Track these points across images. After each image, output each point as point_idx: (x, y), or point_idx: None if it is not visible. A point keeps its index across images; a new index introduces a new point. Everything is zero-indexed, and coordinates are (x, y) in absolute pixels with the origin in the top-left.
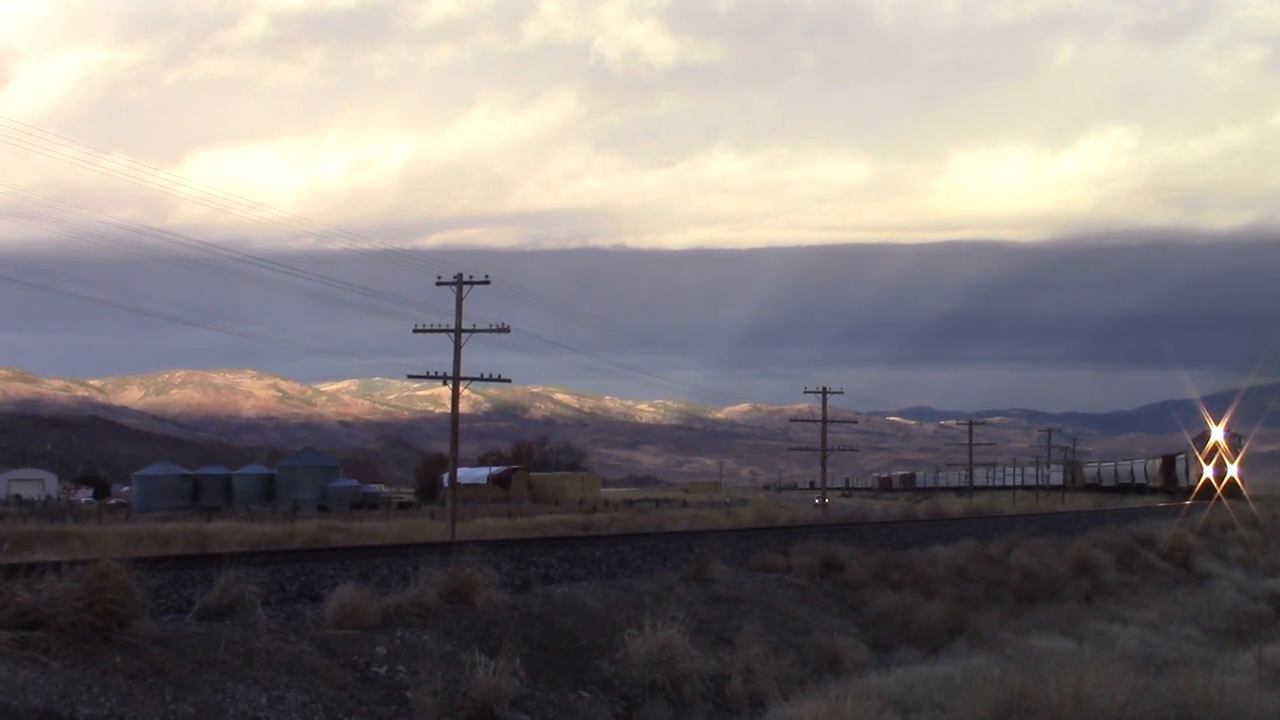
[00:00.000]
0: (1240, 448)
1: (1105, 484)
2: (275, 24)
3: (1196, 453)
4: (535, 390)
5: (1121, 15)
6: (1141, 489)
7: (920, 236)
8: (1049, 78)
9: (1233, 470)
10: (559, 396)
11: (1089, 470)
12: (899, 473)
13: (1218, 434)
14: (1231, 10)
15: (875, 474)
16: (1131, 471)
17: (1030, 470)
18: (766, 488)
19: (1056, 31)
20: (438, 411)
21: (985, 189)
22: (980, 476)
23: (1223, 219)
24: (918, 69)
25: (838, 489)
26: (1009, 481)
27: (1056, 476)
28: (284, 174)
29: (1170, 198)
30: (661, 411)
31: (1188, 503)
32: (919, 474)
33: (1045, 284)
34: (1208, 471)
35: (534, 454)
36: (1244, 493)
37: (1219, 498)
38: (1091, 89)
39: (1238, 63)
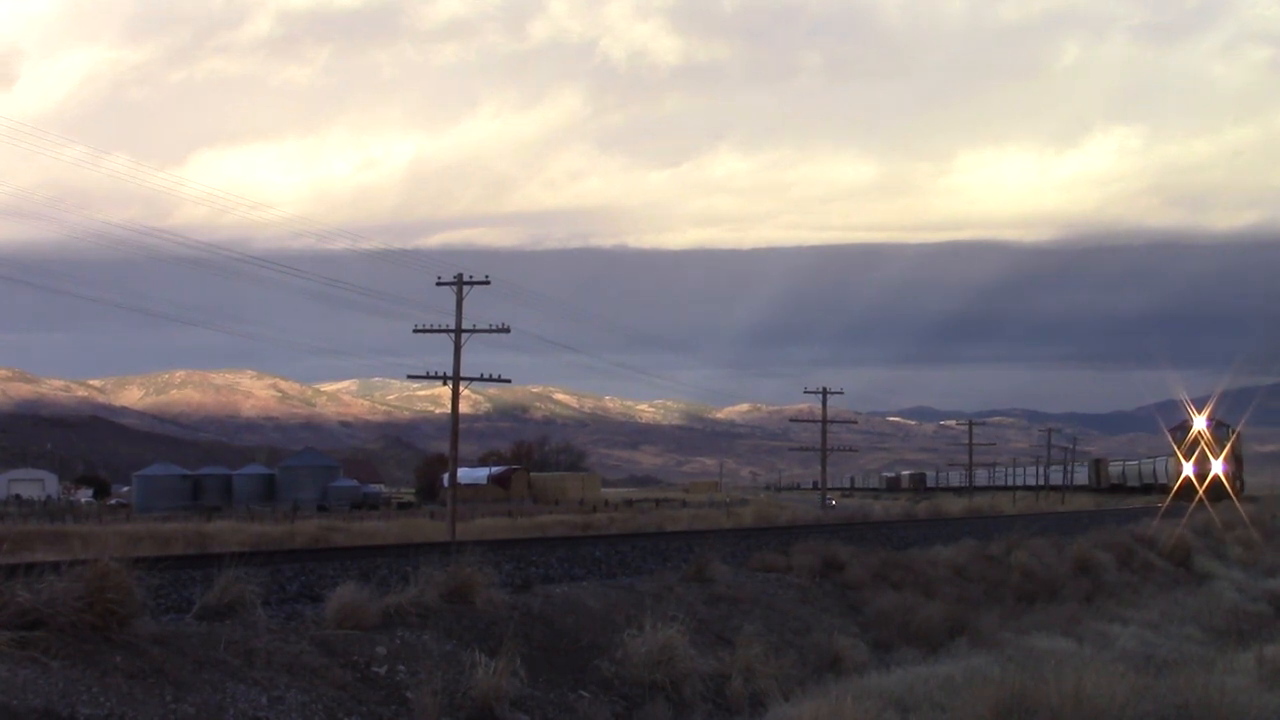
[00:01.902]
0: (1226, 439)
1: (1130, 484)
2: (281, 23)
3: (1175, 447)
4: (535, 390)
5: (1127, 15)
6: (1165, 489)
7: (923, 236)
8: (1055, 78)
9: (1217, 467)
10: (559, 396)
11: (1114, 469)
12: (907, 472)
13: (1200, 424)
14: (1238, 10)
15: (883, 473)
16: (1154, 470)
17: (1051, 470)
18: (768, 488)
19: (1062, 31)
20: (438, 411)
21: (990, 189)
22: (999, 476)
23: (1227, 219)
24: (923, 69)
25: (841, 489)
26: (1025, 482)
27: (1081, 476)
28: (288, 174)
29: (1175, 198)
30: (662, 412)
31: (1162, 504)
32: (929, 473)
33: (1047, 284)
34: (1187, 469)
35: (534, 454)
36: (1229, 491)
37: (1201, 498)
38: (1097, 89)
39: (1244, 62)
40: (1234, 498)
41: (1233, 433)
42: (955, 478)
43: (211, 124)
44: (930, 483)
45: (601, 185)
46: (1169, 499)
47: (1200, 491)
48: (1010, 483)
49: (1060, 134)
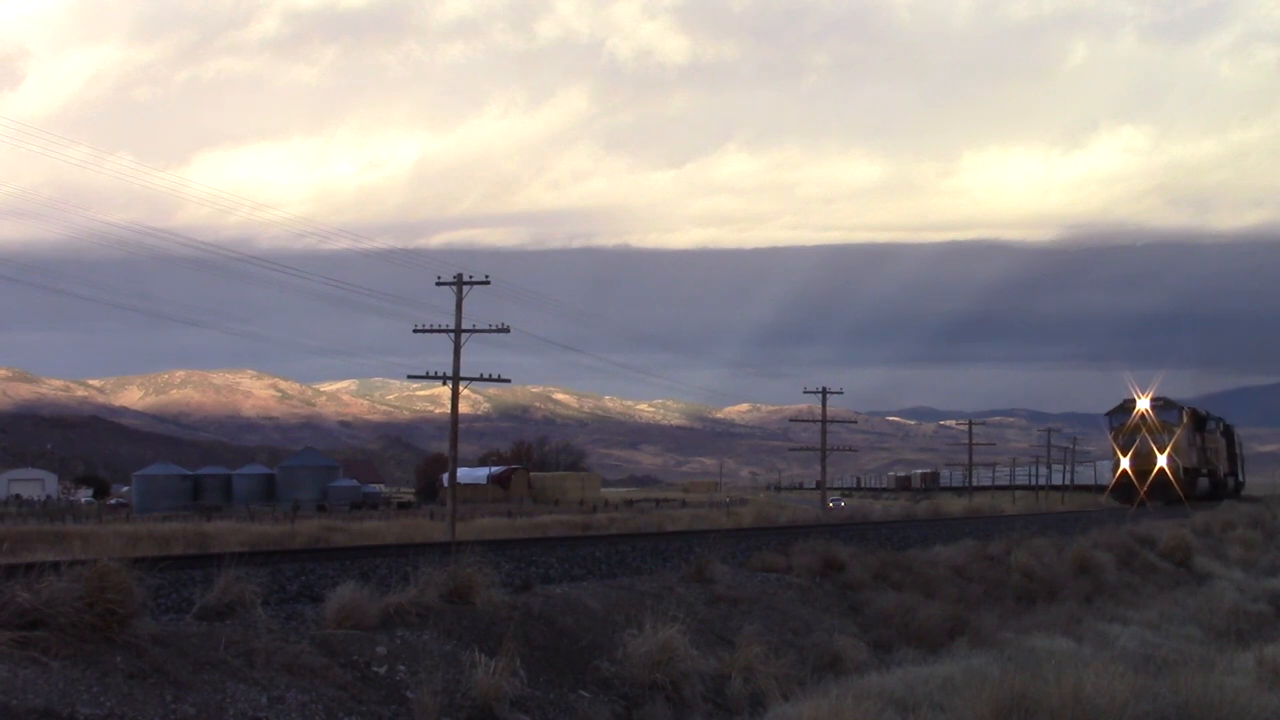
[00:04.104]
0: (1178, 426)
1: None
2: (288, 23)
3: (1110, 434)
4: (535, 390)
5: (1137, 15)
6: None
7: (927, 237)
8: (1062, 78)
9: (1162, 460)
10: (559, 396)
11: None
12: (919, 471)
13: (1144, 405)
14: (1245, 10)
15: (892, 473)
16: None
17: (1089, 468)
18: (770, 488)
19: (1071, 31)
20: (438, 411)
21: (996, 189)
22: (1020, 476)
23: (1231, 219)
24: (931, 68)
25: (848, 489)
26: (1049, 481)
27: (1108, 474)
28: (293, 174)
29: (1181, 198)
30: (662, 411)
31: (1098, 506)
32: (943, 472)
33: (1051, 285)
34: (1124, 463)
35: (534, 454)
36: (1179, 491)
37: (1143, 499)
38: (1104, 89)
39: (1252, 62)
40: (1184, 499)
41: (1185, 415)
42: (974, 477)
43: (217, 124)
44: (945, 482)
45: (606, 185)
46: (1104, 497)
47: (1142, 491)
48: (1032, 482)
49: (1067, 134)
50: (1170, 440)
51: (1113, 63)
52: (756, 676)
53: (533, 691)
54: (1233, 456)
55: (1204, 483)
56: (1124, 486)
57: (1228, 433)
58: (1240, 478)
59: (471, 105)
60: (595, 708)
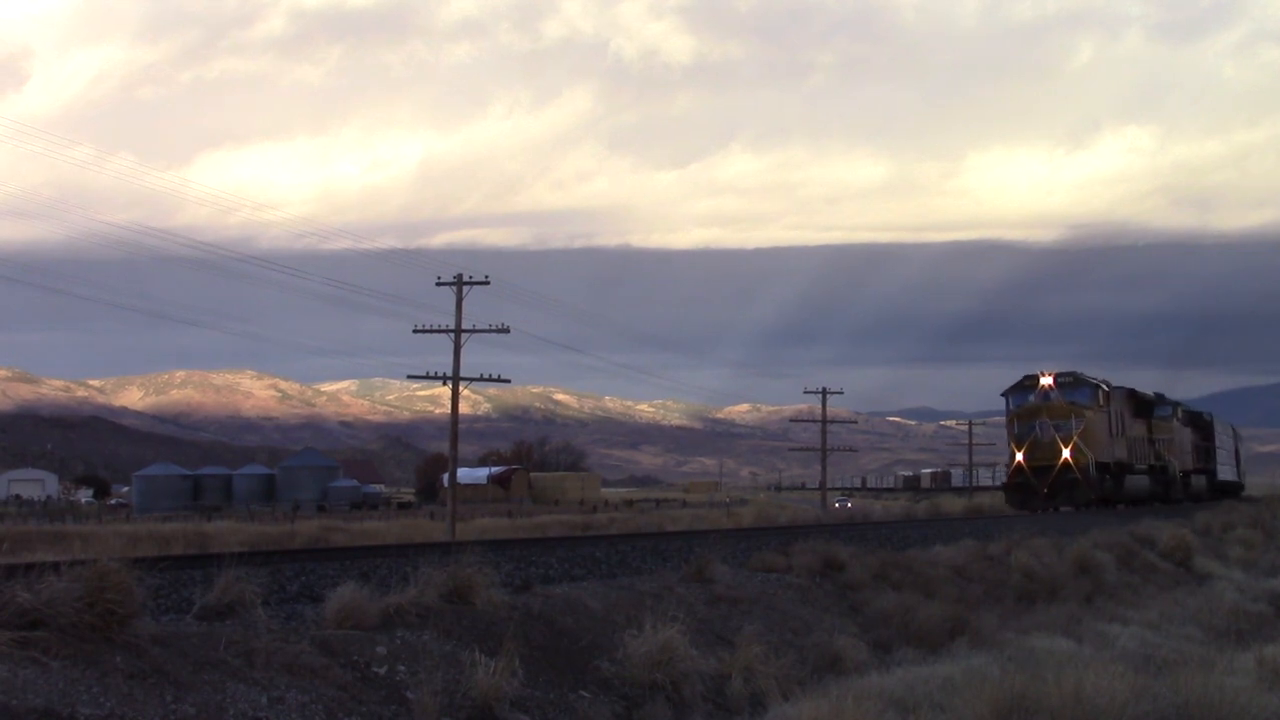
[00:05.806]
0: (1090, 408)
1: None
2: (293, 22)
3: (1005, 420)
4: (535, 390)
5: (1143, 14)
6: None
7: (931, 237)
8: (1067, 78)
9: (1065, 452)
10: (559, 397)
11: None
12: (927, 470)
13: (1046, 382)
14: (1250, 10)
15: (899, 473)
16: None
17: None
18: (770, 488)
19: (1076, 31)
20: (438, 412)
21: (999, 189)
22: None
23: (1235, 219)
24: (936, 68)
25: (852, 489)
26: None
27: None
28: (297, 174)
29: (1184, 198)
30: (662, 412)
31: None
32: (954, 471)
33: (1053, 285)
34: (1019, 456)
35: (534, 454)
36: (1090, 493)
37: (1049, 502)
38: (1109, 89)
39: (1256, 62)
40: (1099, 502)
41: (1104, 395)
42: (976, 477)
43: (221, 124)
44: (958, 481)
45: (609, 185)
46: (1011, 495)
47: (1044, 489)
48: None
49: (1071, 134)
50: (1079, 427)
51: (1117, 63)
52: (756, 676)
53: (533, 691)
54: (1207, 451)
55: (1139, 481)
56: (1020, 486)
57: (1195, 421)
58: (1230, 476)
59: (476, 105)
60: (595, 708)
